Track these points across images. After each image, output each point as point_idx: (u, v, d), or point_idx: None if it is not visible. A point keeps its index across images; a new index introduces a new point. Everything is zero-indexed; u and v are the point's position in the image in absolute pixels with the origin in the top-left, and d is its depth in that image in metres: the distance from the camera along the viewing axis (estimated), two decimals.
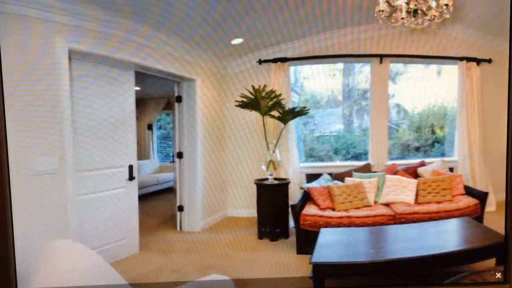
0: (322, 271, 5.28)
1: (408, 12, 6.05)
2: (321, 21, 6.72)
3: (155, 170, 9.32)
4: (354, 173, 7.48)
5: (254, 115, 7.11)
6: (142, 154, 9.25)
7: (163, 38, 6.46)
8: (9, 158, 4.63)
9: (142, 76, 6.70)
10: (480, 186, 7.48)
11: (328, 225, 6.59)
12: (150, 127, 9.21)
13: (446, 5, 5.95)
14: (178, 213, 7.47)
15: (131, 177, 6.52)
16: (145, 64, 6.37)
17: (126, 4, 5.69)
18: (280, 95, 7.06)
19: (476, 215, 6.80)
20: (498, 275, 4.92)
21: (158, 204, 8.46)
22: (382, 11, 6.02)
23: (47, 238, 5.00)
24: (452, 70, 7.61)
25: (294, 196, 7.33)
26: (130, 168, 6.51)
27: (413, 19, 6.11)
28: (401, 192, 7.17)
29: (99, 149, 5.95)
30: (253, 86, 6.87)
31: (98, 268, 4.60)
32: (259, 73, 7.24)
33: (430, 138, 7.97)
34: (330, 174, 7.54)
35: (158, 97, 9.00)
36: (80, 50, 5.47)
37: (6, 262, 4.57)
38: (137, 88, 6.73)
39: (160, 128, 9.26)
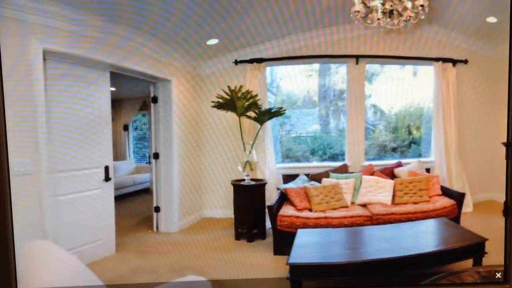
0: (299, 272, 5.28)
1: (384, 13, 6.14)
2: (297, 21, 6.86)
3: (131, 171, 9.33)
4: (331, 174, 7.56)
5: (231, 115, 7.18)
6: (118, 155, 9.24)
7: (138, 39, 6.52)
8: None
9: (117, 76, 6.72)
10: (456, 187, 7.61)
11: (305, 226, 6.65)
12: (126, 128, 9.18)
13: (422, 6, 6.03)
14: (154, 214, 7.52)
15: (107, 178, 6.54)
16: (121, 65, 6.40)
17: (101, 5, 5.74)
18: (256, 95, 7.14)
19: (453, 216, 6.88)
20: (498, 275, 4.96)
21: (135, 205, 8.50)
22: (358, 11, 6.10)
23: (24, 239, 5.01)
24: (428, 71, 7.76)
25: (271, 197, 7.40)
26: (106, 169, 6.54)
27: (389, 20, 6.19)
28: (378, 192, 7.27)
29: (74, 150, 5.97)
30: (229, 87, 6.94)
31: (74, 269, 4.68)
32: (235, 74, 7.38)
33: (406, 139, 8.10)
34: (307, 175, 7.62)
35: (134, 97, 9.01)
36: (55, 50, 5.48)
37: (6, 262, 4.59)
38: (113, 89, 6.73)
39: (136, 129, 9.22)
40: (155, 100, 7.42)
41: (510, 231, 4.99)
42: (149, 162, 8.29)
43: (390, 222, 6.76)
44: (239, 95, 6.99)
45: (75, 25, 5.64)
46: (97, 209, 6.44)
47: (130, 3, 5.86)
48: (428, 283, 4.95)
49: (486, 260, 5.71)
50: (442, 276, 4.90)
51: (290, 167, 7.99)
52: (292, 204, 7.07)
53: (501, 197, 7.12)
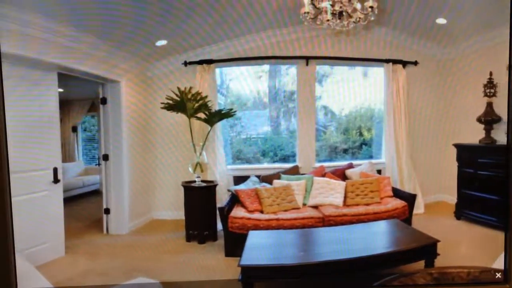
0: (251, 273, 5.42)
1: (333, 14, 6.23)
2: (247, 22, 7.06)
3: (81, 173, 9.29)
4: (282, 175, 7.72)
5: (181, 117, 7.31)
6: (67, 156, 9.18)
7: (86, 39, 6.58)
8: None
9: (65, 77, 6.75)
10: (408, 188, 7.88)
11: (256, 227, 6.79)
12: (74, 129, 9.15)
13: (371, 7, 6.14)
14: (104, 216, 7.57)
15: (55, 180, 6.54)
16: (68, 66, 6.45)
17: (47, 5, 5.82)
18: (206, 97, 7.27)
19: (405, 217, 7.12)
20: (498, 275, 5.03)
21: (84, 207, 8.52)
22: (308, 13, 6.19)
23: None
24: (378, 72, 8.03)
25: (222, 198, 7.54)
26: (55, 170, 6.55)
27: (338, 21, 6.28)
28: (330, 194, 7.46)
29: (21, 151, 5.89)
30: (178, 88, 7.07)
31: (23, 271, 4.86)
32: (185, 75, 7.54)
33: (357, 140, 8.34)
34: (258, 177, 7.78)
35: (82, 99, 8.98)
36: None
37: (6, 262, 4.69)
38: (61, 90, 6.74)
39: (85, 130, 9.10)
40: (104, 101, 7.46)
41: (510, 231, 5.10)
42: (99, 164, 8.31)
43: (342, 224, 6.95)
44: (189, 96, 7.11)
45: (21, 26, 5.68)
46: (46, 211, 6.44)
47: (77, 3, 5.98)
48: (381, 284, 5.04)
49: (438, 262, 5.92)
50: (394, 278, 4.98)
51: (241, 168, 8.12)
52: (243, 205, 7.21)
53: (451, 198, 7.46)
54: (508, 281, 5.01)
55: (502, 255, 5.22)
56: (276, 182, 7.61)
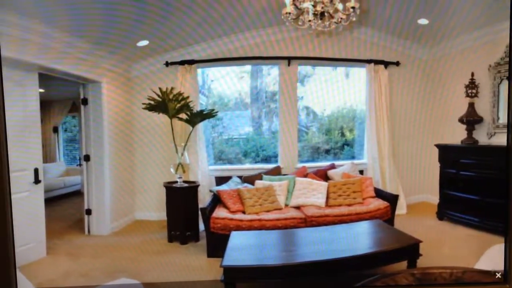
0: (233, 274, 5.40)
1: (315, 14, 6.24)
2: (228, 23, 7.13)
3: (62, 173, 9.27)
4: (264, 176, 7.78)
5: (162, 117, 7.35)
6: (48, 157, 9.18)
7: (67, 39, 6.59)
8: None
9: (46, 78, 6.75)
10: (390, 189, 7.96)
11: (238, 228, 6.84)
12: (55, 129, 9.14)
13: (353, 8, 6.14)
14: (86, 216, 7.59)
15: (36, 181, 6.55)
16: (49, 66, 6.45)
17: (27, 4, 5.81)
18: (188, 97, 7.31)
19: (387, 217, 7.19)
20: (498, 275, 5.00)
21: (66, 208, 8.51)
22: (289, 13, 6.20)
23: None
24: (360, 73, 8.12)
25: (204, 199, 7.61)
26: (36, 171, 6.55)
27: (320, 21, 6.29)
28: (312, 195, 7.52)
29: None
30: (160, 89, 7.10)
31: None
32: (167, 76, 7.59)
33: (340, 141, 8.43)
34: (240, 177, 7.84)
35: (63, 99, 8.96)
36: None
37: (6, 262, 4.69)
38: (42, 90, 6.74)
39: (66, 130, 9.11)
40: (85, 101, 7.48)
41: (510, 232, 5.03)
42: (80, 164, 8.29)
43: (324, 224, 7.00)
44: (171, 97, 7.14)
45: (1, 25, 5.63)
46: (27, 212, 6.44)
47: (58, 3, 5.99)
48: (363, 284, 5.00)
49: (421, 262, 5.95)
50: (376, 278, 4.93)
51: (223, 169, 8.18)
52: (226, 206, 7.26)
53: (433, 199, 7.54)
54: (508, 281, 5.02)
55: (485, 255, 5.25)
56: (258, 183, 7.66)
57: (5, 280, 4.71)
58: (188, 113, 7.37)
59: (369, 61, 7.94)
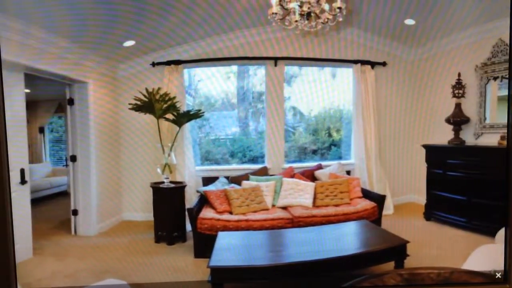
0: (220, 275, 5.44)
1: (301, 15, 6.27)
2: (215, 23, 7.17)
3: (48, 174, 9.19)
4: (251, 177, 7.81)
5: (149, 118, 7.37)
6: (34, 157, 9.09)
7: (53, 39, 6.59)
8: None
9: (32, 78, 6.73)
10: (377, 189, 8.02)
11: (225, 228, 6.87)
12: (41, 130, 9.04)
13: (340, 8, 6.17)
14: (72, 217, 7.59)
15: (22, 181, 6.54)
16: (35, 66, 6.43)
17: (13, 4, 5.81)
18: (174, 97, 7.33)
19: (374, 218, 7.24)
20: (498, 275, 4.95)
21: (52, 208, 8.48)
22: (276, 13, 6.24)
23: None
24: (347, 73, 8.16)
25: (191, 199, 7.63)
26: (22, 171, 6.53)
27: (306, 22, 6.34)
28: (299, 195, 7.57)
29: None
30: (146, 89, 7.12)
31: None
32: (153, 76, 7.61)
33: (327, 141, 8.47)
34: (227, 178, 7.87)
35: (49, 99, 8.86)
36: None
37: (6, 262, 4.66)
38: (27, 91, 6.76)
39: (52, 131, 9.05)
40: (71, 102, 7.49)
41: (510, 232, 4.97)
42: (66, 165, 8.28)
43: (312, 225, 7.04)
44: (157, 97, 7.16)
45: None
46: (13, 213, 6.24)
47: (43, 4, 5.99)
48: (350, 285, 4.83)
49: (408, 262, 6.00)
50: (363, 279, 4.82)
51: (210, 169, 8.19)
52: (212, 206, 7.28)
53: (420, 199, 7.60)
54: (508, 281, 5.00)
55: (473, 255, 5.16)
56: (245, 183, 7.69)
57: (6, 280, 4.72)
58: (175, 113, 7.38)
59: (355, 62, 7.98)
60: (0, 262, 4.68)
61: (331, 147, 8.47)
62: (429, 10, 6.90)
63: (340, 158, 8.47)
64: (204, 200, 7.44)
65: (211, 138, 8.26)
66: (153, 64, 7.63)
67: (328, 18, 6.34)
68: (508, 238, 5.00)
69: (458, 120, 7.51)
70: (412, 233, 6.62)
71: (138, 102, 7.16)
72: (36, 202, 7.65)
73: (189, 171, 7.91)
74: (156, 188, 7.40)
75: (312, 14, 6.36)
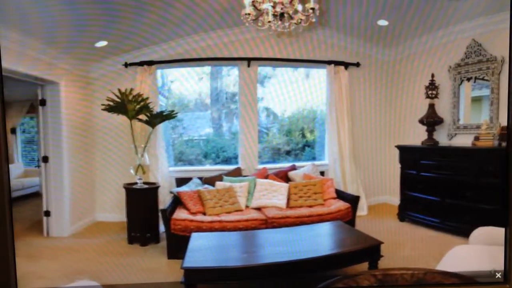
0: (194, 276, 5.51)
1: (274, 15, 6.37)
2: (187, 23, 7.21)
3: (20, 175, 9.05)
4: (225, 177, 7.86)
5: (122, 118, 7.38)
6: None
7: (22, 38, 6.51)
8: None
9: (3, 78, 6.19)
10: (351, 190, 8.11)
11: (199, 229, 6.91)
12: (13, 130, 8.90)
13: (313, 9, 6.26)
14: (44, 218, 7.57)
15: None
16: (4, 66, 6.01)
17: None
18: (147, 98, 7.36)
19: (348, 219, 7.34)
20: (498, 275, 5.09)
21: (24, 209, 8.30)
22: (249, 14, 6.32)
23: None
24: (320, 74, 8.23)
25: (165, 200, 7.68)
26: None
27: (280, 22, 6.43)
28: (273, 196, 7.65)
29: None
30: (119, 90, 7.15)
31: None
32: (126, 76, 7.61)
33: (300, 142, 8.53)
34: (200, 178, 7.91)
35: (21, 100, 8.60)
36: None
37: (6, 262, 4.82)
38: None
39: (24, 132, 9.07)
40: (43, 102, 7.46)
41: (510, 232, 5.10)
42: (38, 166, 8.27)
43: (286, 226, 7.12)
44: (130, 98, 7.20)
45: None
46: None
47: (13, 2, 5.97)
48: (324, 286, 5.01)
49: (382, 263, 6.13)
50: (337, 279, 5.02)
51: (183, 170, 8.22)
52: (186, 207, 7.33)
53: (394, 200, 7.69)
54: (508, 281, 5.13)
55: (447, 256, 5.34)
56: (218, 184, 7.74)
57: (6, 280, 4.88)
58: (148, 114, 7.41)
59: (329, 62, 8.05)
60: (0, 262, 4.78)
61: (304, 148, 8.53)
62: (405, 10, 6.96)
63: (314, 159, 8.53)
64: (177, 201, 7.48)
65: (185, 139, 8.29)
66: (126, 65, 7.63)
67: (301, 19, 6.42)
68: (508, 238, 5.14)
69: (431, 120, 7.61)
70: (386, 234, 6.75)
71: (111, 103, 7.17)
72: None
73: (163, 172, 7.93)
74: (129, 189, 7.43)
75: (285, 15, 6.43)
